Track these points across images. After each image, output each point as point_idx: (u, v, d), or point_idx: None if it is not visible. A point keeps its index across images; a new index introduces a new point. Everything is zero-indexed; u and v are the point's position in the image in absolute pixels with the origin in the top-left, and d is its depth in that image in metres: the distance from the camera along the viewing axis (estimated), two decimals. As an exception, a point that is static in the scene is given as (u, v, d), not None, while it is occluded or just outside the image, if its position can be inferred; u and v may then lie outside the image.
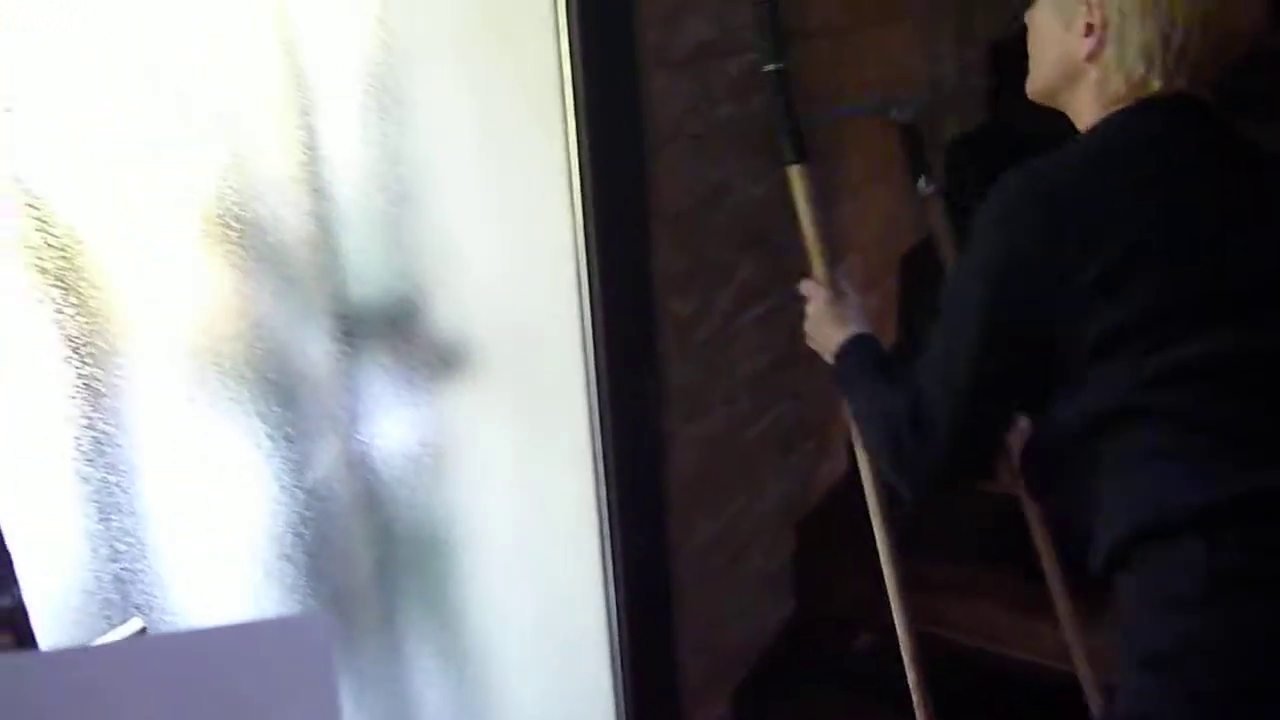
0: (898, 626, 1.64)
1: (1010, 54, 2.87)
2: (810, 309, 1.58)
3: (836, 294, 1.58)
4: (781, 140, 1.57)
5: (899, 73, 2.53)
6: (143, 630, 0.96)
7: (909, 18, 2.56)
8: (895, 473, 1.30)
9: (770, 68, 1.56)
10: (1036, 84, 1.31)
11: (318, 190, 1.44)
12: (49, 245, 1.10)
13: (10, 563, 0.98)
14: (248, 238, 1.34)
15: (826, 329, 1.55)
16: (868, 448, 1.58)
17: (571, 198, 1.59)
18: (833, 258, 1.62)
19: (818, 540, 2.37)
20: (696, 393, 1.87)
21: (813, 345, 1.59)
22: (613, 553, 1.78)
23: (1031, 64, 1.31)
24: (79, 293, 1.14)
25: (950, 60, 2.81)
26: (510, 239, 1.64)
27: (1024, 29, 1.31)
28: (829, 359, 1.53)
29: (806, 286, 1.61)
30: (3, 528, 0.97)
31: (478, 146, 1.61)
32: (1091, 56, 1.20)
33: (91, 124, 1.15)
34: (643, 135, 1.64)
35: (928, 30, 2.67)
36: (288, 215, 1.41)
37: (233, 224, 1.32)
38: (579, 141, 1.57)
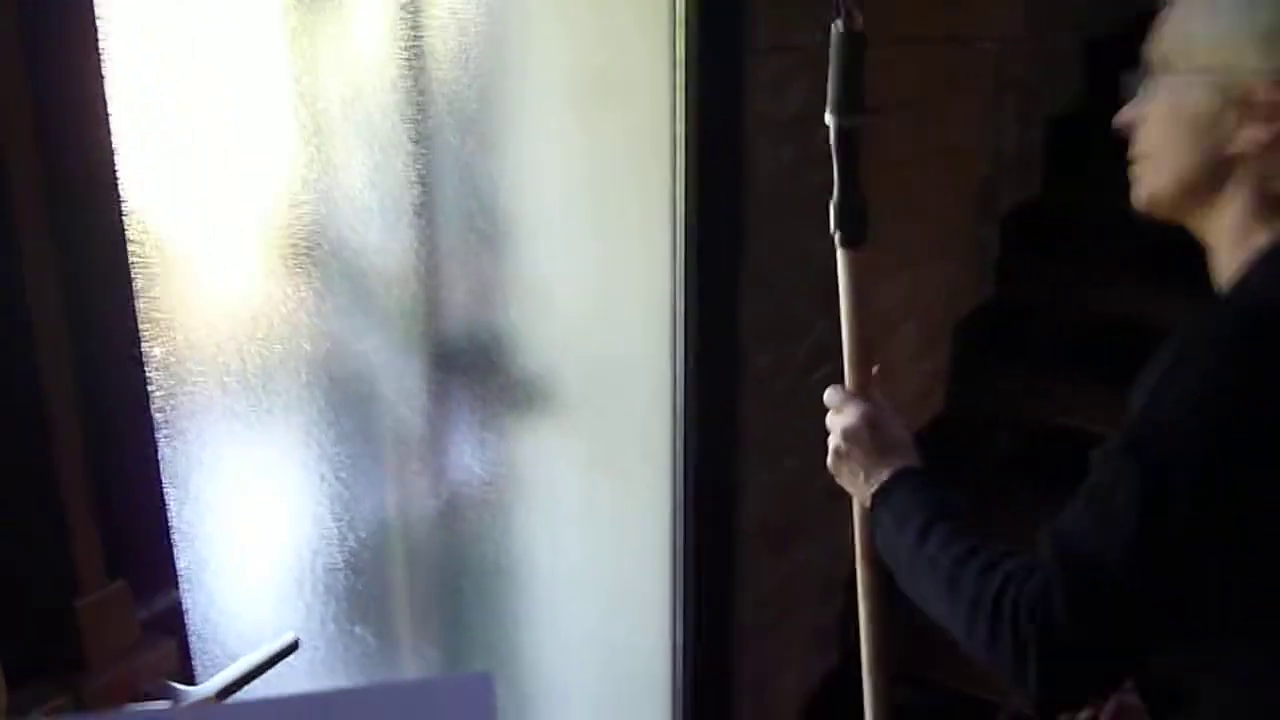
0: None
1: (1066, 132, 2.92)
2: (841, 425, 1.19)
3: (876, 408, 1.20)
4: (838, 217, 1.20)
5: (963, 143, 2.61)
6: (295, 643, 1.00)
7: (975, 92, 2.64)
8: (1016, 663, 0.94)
9: (838, 122, 1.16)
10: (1156, 188, 1.00)
11: (417, 217, 1.50)
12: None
13: (173, 563, 1.03)
14: (338, 259, 1.39)
15: (862, 457, 1.16)
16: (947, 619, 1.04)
17: (673, 247, 1.66)
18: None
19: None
20: (770, 442, 1.93)
21: (841, 478, 1.21)
22: (684, 596, 1.83)
23: (1145, 164, 1.01)
24: (158, 302, 1.15)
25: (1011, 134, 2.89)
26: (606, 282, 1.71)
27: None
28: (863, 494, 1.17)
29: (835, 396, 1.23)
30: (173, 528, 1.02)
31: (582, 190, 1.68)
32: (1255, 154, 0.91)
33: (190, 131, 1.17)
34: (743, 193, 1.71)
35: (991, 105, 2.75)
36: (381, 240, 1.46)
37: (323, 244, 1.35)
38: (685, 194, 1.64)
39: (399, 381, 1.55)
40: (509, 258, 1.65)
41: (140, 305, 1.08)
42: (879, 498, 1.13)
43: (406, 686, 0.69)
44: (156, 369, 1.15)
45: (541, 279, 1.67)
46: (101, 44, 0.85)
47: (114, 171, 0.88)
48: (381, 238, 1.46)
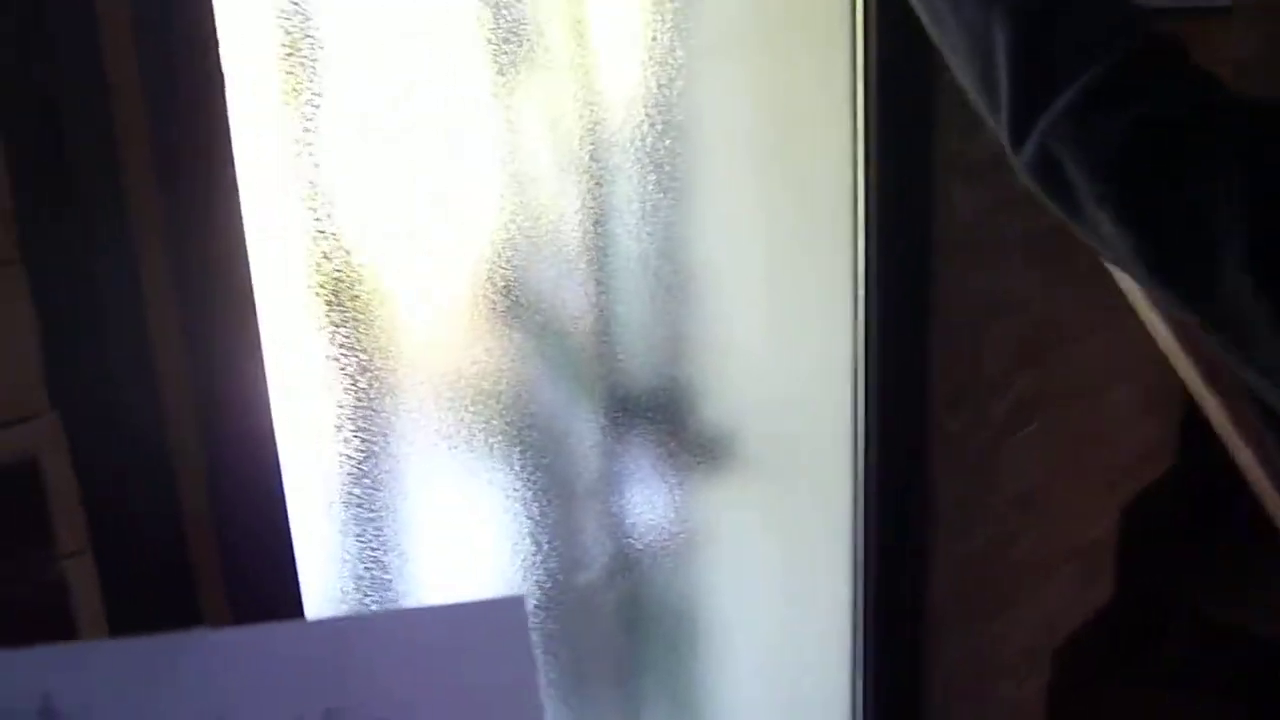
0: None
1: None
2: None
3: None
4: None
5: None
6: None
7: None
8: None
9: None
10: None
11: (599, 268, 1.47)
12: (331, 273, 1.14)
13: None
14: (524, 304, 1.37)
15: None
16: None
17: (855, 301, 1.58)
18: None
19: (1074, 670, 2.23)
20: (962, 509, 1.81)
21: None
22: (864, 666, 1.73)
23: None
24: (354, 324, 1.17)
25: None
26: (788, 339, 1.64)
27: None
28: None
29: None
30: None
31: (763, 242, 1.61)
32: None
33: (390, 169, 1.19)
34: (930, 242, 1.61)
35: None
36: (566, 288, 1.43)
37: (509, 288, 1.35)
38: (866, 245, 1.56)
39: (579, 429, 1.52)
40: (690, 308, 1.60)
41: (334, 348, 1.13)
42: None
43: (439, 610, 0.68)
44: (349, 420, 1.18)
45: (722, 331, 1.62)
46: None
47: (246, 260, 0.88)
48: (564, 284, 1.45)
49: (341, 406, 1.18)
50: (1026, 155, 0.76)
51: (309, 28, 1.08)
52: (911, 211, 1.57)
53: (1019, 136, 0.76)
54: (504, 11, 1.27)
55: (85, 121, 0.78)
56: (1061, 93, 0.73)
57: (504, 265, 1.34)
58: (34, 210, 0.76)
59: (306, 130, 1.09)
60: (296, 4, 1.07)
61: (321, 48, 1.09)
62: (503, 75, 1.30)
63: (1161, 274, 0.73)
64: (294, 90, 1.08)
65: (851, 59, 1.48)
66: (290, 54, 1.07)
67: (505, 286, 1.35)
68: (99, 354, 0.81)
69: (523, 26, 1.30)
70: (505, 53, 1.29)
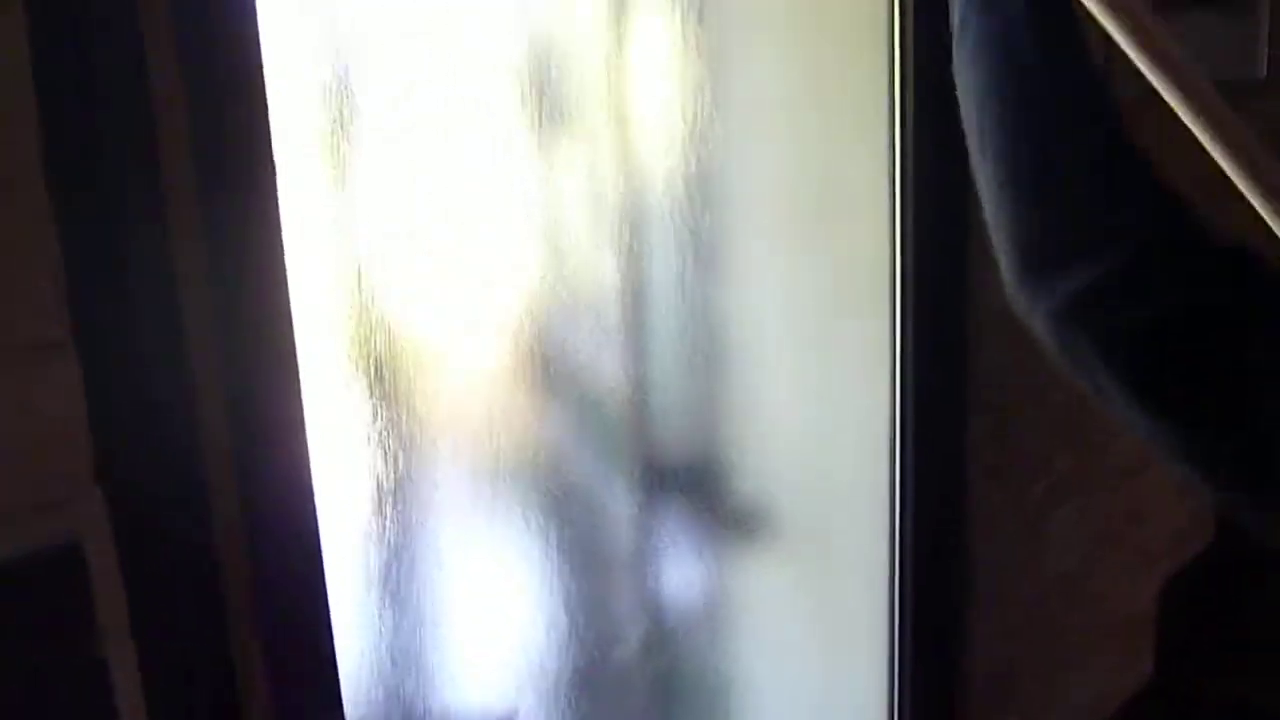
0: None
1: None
2: None
3: None
4: None
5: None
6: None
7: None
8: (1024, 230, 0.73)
9: None
10: None
11: (637, 342, 1.48)
12: (365, 332, 1.14)
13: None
14: (563, 378, 1.38)
15: None
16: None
17: (892, 376, 1.57)
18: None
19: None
20: (1001, 586, 1.78)
21: None
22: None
23: None
24: (395, 402, 1.17)
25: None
26: (825, 413, 1.63)
27: None
28: None
29: None
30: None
31: (800, 317, 1.61)
32: None
33: (431, 246, 1.21)
34: (967, 320, 1.60)
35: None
36: (605, 362, 1.44)
37: (549, 362, 1.35)
38: (904, 320, 1.55)
39: (617, 503, 1.52)
40: (727, 382, 1.60)
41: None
42: None
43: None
44: (389, 497, 1.18)
45: (759, 405, 1.61)
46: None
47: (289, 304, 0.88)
48: (603, 358, 1.45)
49: (381, 485, 1.18)
50: (1037, 322, 0.73)
51: (353, 107, 1.10)
52: (949, 288, 1.57)
53: (1031, 303, 0.73)
54: (547, 90, 1.28)
55: (137, 204, 0.79)
56: (1071, 270, 0.70)
57: (543, 339, 1.35)
58: (84, 294, 0.77)
59: (350, 208, 1.11)
60: (344, 85, 1.08)
61: (366, 127, 1.11)
62: (544, 151, 1.31)
63: (1191, 453, 0.70)
64: (338, 168, 1.10)
65: (890, 138, 1.49)
66: (334, 133, 1.09)
67: (544, 360, 1.35)
68: (145, 436, 0.81)
69: (565, 104, 1.32)
70: (547, 130, 1.30)
